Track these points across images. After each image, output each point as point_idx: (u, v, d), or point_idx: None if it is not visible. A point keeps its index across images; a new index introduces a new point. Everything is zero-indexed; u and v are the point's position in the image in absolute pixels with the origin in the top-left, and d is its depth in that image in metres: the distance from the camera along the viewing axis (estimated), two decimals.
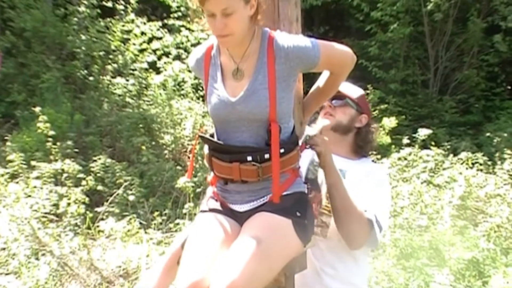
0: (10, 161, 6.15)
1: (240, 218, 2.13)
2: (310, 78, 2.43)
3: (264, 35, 2.10)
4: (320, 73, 2.32)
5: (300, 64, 2.07)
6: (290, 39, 2.08)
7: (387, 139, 9.34)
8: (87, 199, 5.67)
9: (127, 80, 9.13)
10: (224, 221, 2.13)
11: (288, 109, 2.12)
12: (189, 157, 7.79)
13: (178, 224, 5.53)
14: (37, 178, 5.79)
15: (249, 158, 2.06)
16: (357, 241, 2.42)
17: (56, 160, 6.30)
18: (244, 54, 2.09)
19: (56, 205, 5.42)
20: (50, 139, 6.33)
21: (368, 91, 10.50)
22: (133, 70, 9.31)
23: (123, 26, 9.67)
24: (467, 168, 7.12)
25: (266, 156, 2.06)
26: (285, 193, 2.11)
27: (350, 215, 2.34)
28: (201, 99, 9.11)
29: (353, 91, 2.64)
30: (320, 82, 2.33)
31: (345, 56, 2.17)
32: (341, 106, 2.60)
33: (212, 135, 2.19)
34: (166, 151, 8.00)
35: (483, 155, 7.65)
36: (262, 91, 2.05)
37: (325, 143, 2.33)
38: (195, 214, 5.19)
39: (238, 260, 1.88)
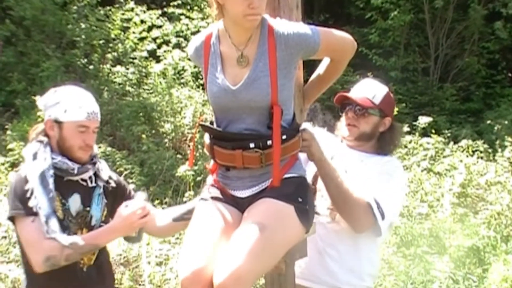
0: (11, 150, 6.15)
1: (241, 205, 2.13)
2: (310, 66, 2.43)
3: (264, 23, 2.09)
4: (320, 60, 2.31)
5: (301, 51, 2.07)
6: (290, 26, 2.07)
7: None
8: None
9: (127, 69, 9.09)
10: (224, 209, 2.13)
11: (289, 96, 2.12)
12: (189, 146, 7.78)
13: None
14: None
15: (252, 145, 2.06)
16: (359, 224, 2.46)
17: None
18: (248, 41, 2.08)
19: None
20: None
21: None
22: (133, 58, 9.26)
23: (122, 14, 9.62)
24: (467, 156, 7.13)
25: (269, 142, 2.06)
26: (285, 176, 2.11)
27: (347, 200, 2.39)
28: (201, 87, 9.07)
29: (375, 93, 2.63)
30: (321, 69, 2.32)
31: (345, 42, 2.17)
32: (364, 117, 2.61)
33: (211, 123, 2.19)
34: (166, 140, 7.98)
35: (484, 143, 7.65)
36: (264, 78, 2.05)
37: (312, 137, 2.33)
38: None
39: (241, 247, 1.89)
